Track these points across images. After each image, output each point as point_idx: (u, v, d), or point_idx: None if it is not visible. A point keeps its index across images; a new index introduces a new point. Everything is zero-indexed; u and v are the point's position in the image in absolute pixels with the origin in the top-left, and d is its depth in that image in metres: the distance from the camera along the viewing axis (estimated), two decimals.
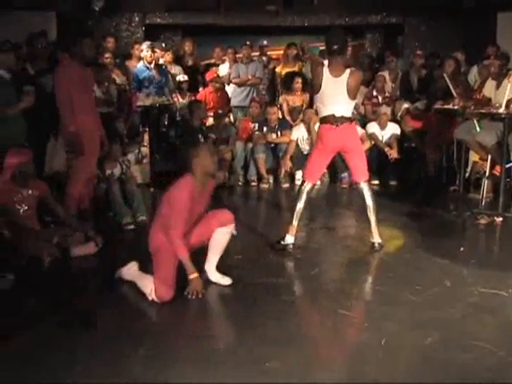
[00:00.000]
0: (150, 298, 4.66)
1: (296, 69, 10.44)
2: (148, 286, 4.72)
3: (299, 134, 9.39)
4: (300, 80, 9.93)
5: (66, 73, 6.23)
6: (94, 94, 7.35)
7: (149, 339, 4.04)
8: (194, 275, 4.69)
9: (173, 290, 4.65)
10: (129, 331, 4.17)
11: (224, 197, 8.54)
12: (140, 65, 9.69)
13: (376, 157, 9.25)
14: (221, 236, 5.01)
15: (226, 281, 5.02)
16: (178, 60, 10.79)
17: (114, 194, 6.78)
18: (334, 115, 5.69)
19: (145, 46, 9.79)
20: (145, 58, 9.62)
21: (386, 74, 10.43)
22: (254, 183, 9.32)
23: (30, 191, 5.77)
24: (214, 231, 4.99)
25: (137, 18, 12.13)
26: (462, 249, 6.01)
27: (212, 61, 11.35)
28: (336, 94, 5.68)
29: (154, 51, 9.82)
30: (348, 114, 5.76)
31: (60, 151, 7.38)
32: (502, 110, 7.19)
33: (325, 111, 5.76)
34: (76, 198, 6.41)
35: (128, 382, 3.52)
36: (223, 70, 10.83)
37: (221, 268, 5.09)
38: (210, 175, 4.93)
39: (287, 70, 10.55)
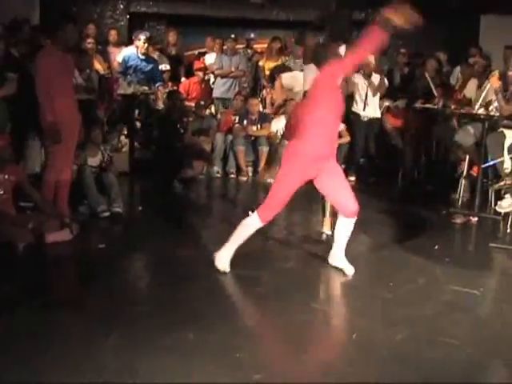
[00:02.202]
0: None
1: (279, 62, 10.42)
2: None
3: (279, 126, 9.39)
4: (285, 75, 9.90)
5: (47, 58, 6.18)
6: (75, 80, 7.30)
7: (121, 327, 4.03)
8: None
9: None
10: (101, 319, 4.16)
11: (201, 188, 8.54)
12: (131, 52, 9.61)
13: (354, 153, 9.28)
14: (343, 227, 5.13)
15: (349, 270, 5.14)
16: (161, 50, 10.75)
17: (88, 182, 6.74)
18: None
19: (143, 36, 9.67)
20: (140, 48, 9.54)
21: None
22: (232, 175, 9.32)
23: (6, 176, 5.73)
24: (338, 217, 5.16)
25: (121, 6, 12.06)
26: (436, 247, 6.04)
27: (197, 51, 11.35)
28: None
29: (150, 44, 9.78)
30: None
31: (38, 152, 7.37)
32: (480, 111, 7.26)
33: None
34: (52, 185, 6.36)
35: (98, 368, 3.51)
36: (210, 59, 10.83)
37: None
38: None
39: (270, 63, 10.54)
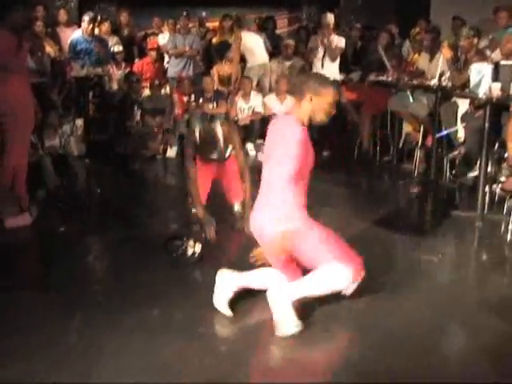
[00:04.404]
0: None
1: (232, 40, 10.41)
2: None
3: (256, 102, 9.49)
4: (236, 54, 9.91)
5: None
6: (27, 63, 7.19)
7: (84, 308, 4.04)
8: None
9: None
10: (64, 300, 4.16)
11: (159, 168, 8.52)
12: (78, 35, 9.49)
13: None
14: None
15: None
16: (114, 31, 10.65)
17: (47, 165, 6.69)
18: None
19: (87, 17, 9.55)
20: (85, 30, 9.42)
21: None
22: None
23: None
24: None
25: None
26: (394, 217, 6.14)
27: (149, 31, 11.27)
28: None
29: (95, 24, 9.65)
30: None
31: None
32: (434, 82, 7.37)
33: None
34: (11, 170, 6.28)
35: (64, 349, 3.52)
36: (162, 40, 10.76)
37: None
38: None
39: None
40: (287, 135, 3.85)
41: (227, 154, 5.83)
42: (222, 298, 4.05)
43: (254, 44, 9.96)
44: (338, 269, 3.79)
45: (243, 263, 4.24)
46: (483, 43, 7.88)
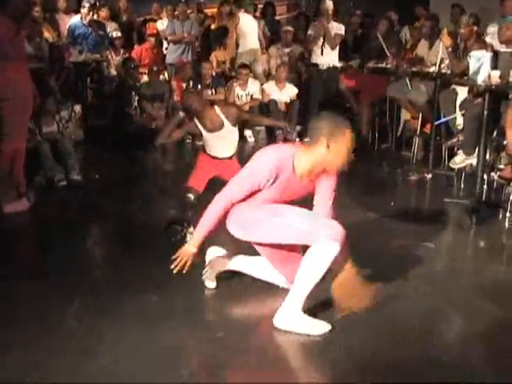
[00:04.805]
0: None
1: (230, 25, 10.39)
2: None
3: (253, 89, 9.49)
4: (233, 35, 9.89)
5: None
6: (25, 50, 7.17)
7: (83, 295, 4.03)
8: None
9: None
10: (63, 287, 4.15)
11: (158, 154, 8.50)
12: (76, 21, 9.49)
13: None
14: None
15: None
16: (112, 17, 10.63)
17: (45, 151, 6.68)
18: None
19: (87, 4, 9.54)
20: (84, 15, 9.41)
21: None
22: (188, 140, 9.29)
23: None
24: None
25: None
26: (392, 203, 6.15)
27: (148, 17, 11.24)
28: None
29: (94, 11, 9.63)
30: None
31: None
32: (432, 69, 7.36)
33: None
34: (9, 155, 6.27)
35: (63, 336, 3.52)
36: (161, 26, 10.74)
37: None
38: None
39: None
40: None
41: (232, 153, 5.93)
42: (209, 272, 4.10)
43: (248, 28, 9.92)
44: (318, 250, 3.53)
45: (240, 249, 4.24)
46: (491, 29, 7.82)
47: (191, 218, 5.04)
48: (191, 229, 4.80)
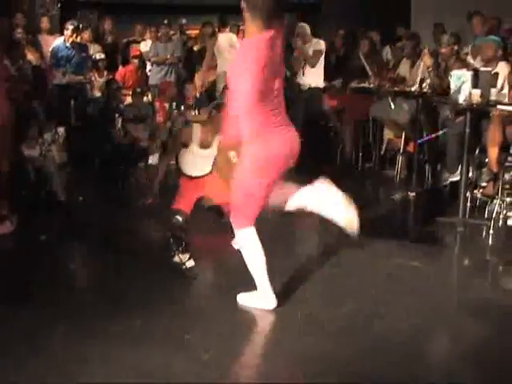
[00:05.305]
0: None
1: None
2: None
3: None
4: (215, 58, 9.90)
5: None
6: (8, 72, 7.16)
7: (68, 317, 4.01)
8: None
9: None
10: (48, 309, 4.12)
11: (141, 176, 8.49)
12: (60, 43, 9.47)
13: None
14: None
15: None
16: (96, 38, 10.62)
17: (28, 174, 6.66)
18: None
19: (70, 26, 9.53)
20: (67, 37, 9.40)
21: None
22: (172, 161, 9.27)
23: None
24: None
25: None
26: (377, 223, 6.16)
27: (131, 38, 11.26)
28: None
29: (77, 33, 9.62)
30: None
31: None
32: (414, 88, 7.42)
33: None
34: None
35: (48, 359, 3.49)
36: (145, 47, 10.76)
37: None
38: None
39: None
40: None
41: (210, 168, 5.89)
42: None
43: (225, 45, 9.88)
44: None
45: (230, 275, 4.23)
46: (466, 50, 7.95)
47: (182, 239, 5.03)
48: (184, 255, 4.82)
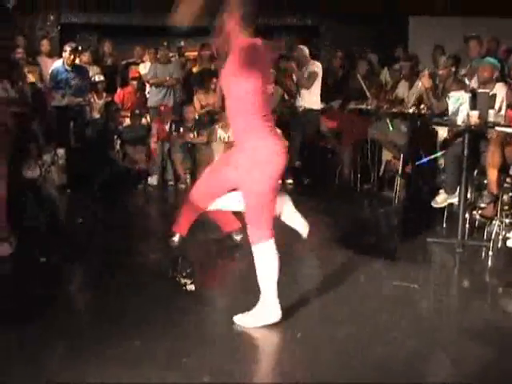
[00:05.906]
0: None
1: (212, 68, 10.45)
2: None
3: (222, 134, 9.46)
4: (215, 80, 9.94)
5: None
6: (7, 93, 7.18)
7: (67, 339, 3.99)
8: None
9: None
10: (47, 331, 4.10)
11: (140, 198, 8.51)
12: (59, 65, 9.51)
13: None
14: None
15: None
16: (95, 60, 10.67)
17: (28, 196, 6.66)
18: None
19: (68, 48, 9.57)
20: (66, 59, 9.43)
21: None
22: (170, 183, 9.31)
23: None
24: None
25: (52, 17, 11.94)
26: (374, 243, 6.17)
27: (130, 60, 11.32)
28: None
29: (76, 54, 9.65)
30: None
31: None
32: (412, 110, 7.46)
33: None
34: None
35: (46, 381, 3.48)
36: (144, 69, 10.81)
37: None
38: None
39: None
40: None
41: None
42: None
43: None
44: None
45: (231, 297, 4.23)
46: (463, 71, 8.00)
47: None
48: (186, 280, 4.84)
